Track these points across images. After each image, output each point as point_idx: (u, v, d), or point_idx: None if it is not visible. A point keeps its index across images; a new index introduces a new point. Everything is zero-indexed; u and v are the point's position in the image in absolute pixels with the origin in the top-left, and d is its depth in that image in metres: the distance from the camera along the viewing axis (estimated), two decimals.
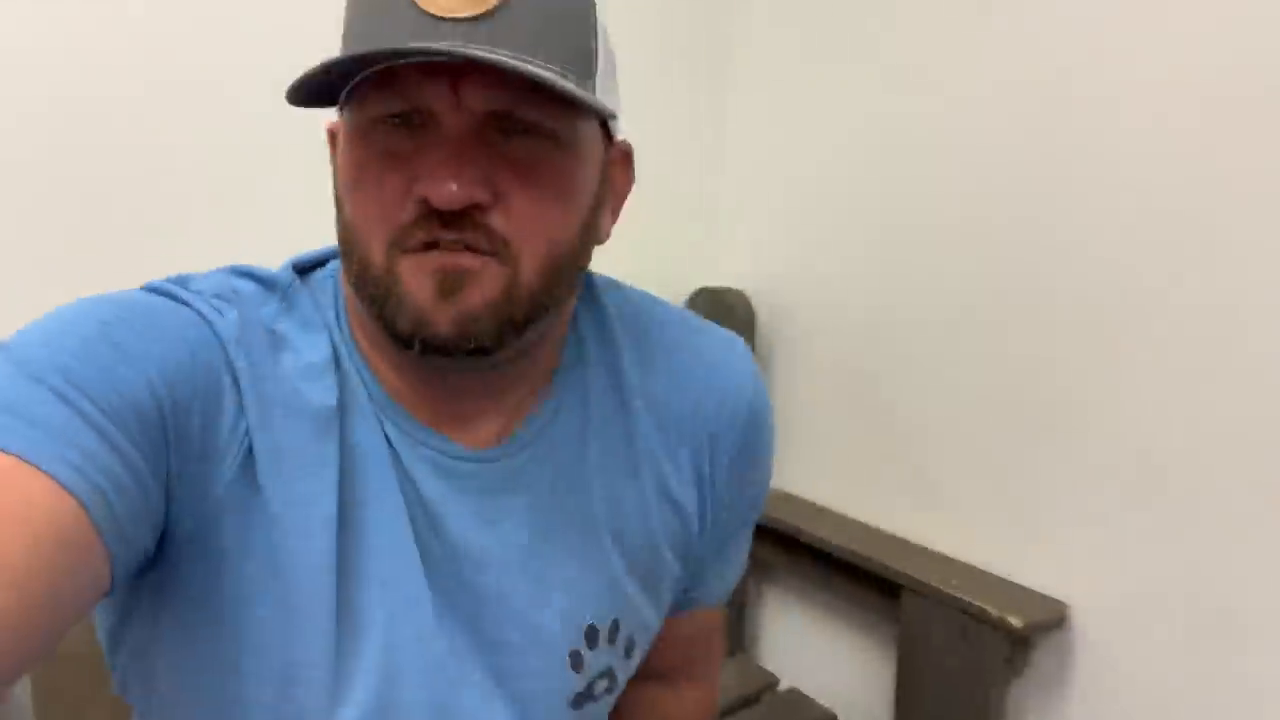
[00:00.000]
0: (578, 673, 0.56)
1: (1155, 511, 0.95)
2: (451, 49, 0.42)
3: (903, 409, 1.19)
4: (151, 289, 0.51)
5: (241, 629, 0.48)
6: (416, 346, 0.47)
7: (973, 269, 1.11)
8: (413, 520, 0.51)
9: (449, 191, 0.44)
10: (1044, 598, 1.02)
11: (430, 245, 0.45)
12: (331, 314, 0.53)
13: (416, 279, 0.46)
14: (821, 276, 1.29)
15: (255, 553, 0.48)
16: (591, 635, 0.56)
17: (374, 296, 0.47)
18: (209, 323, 0.49)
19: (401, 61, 0.43)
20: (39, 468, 0.39)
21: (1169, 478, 0.94)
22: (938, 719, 1.08)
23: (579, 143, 0.48)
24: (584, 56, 0.47)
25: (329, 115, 0.51)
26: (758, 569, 1.37)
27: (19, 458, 0.39)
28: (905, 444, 1.19)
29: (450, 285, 0.46)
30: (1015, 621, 0.98)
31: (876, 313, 1.22)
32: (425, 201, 0.45)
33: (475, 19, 0.43)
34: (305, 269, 0.56)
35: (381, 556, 0.50)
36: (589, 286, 0.60)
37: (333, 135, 0.53)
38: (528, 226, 0.47)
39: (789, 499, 1.27)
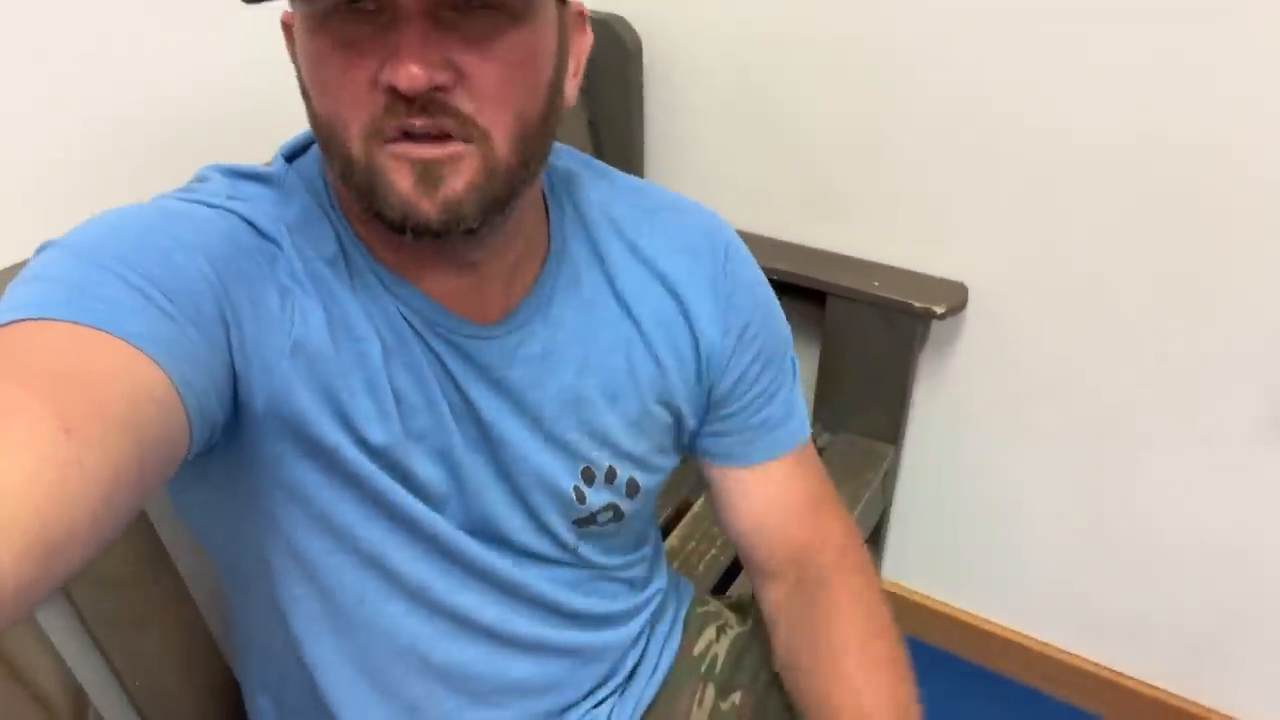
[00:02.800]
0: (581, 504, 0.67)
1: (1037, 201, 1.10)
2: None
3: (802, 126, 1.24)
4: (177, 198, 0.53)
5: (340, 471, 0.56)
6: (408, 234, 0.50)
7: None
8: (438, 381, 0.59)
9: (411, 74, 0.45)
10: (947, 282, 1.19)
11: (406, 134, 0.47)
12: (326, 200, 0.56)
13: (398, 169, 0.48)
14: None
15: (328, 413, 0.54)
16: (588, 475, 0.66)
17: (360, 188, 0.49)
18: (239, 215, 0.53)
19: None
20: (123, 339, 0.41)
21: (1045, 174, 1.08)
22: (861, 397, 1.27)
23: (534, 12, 0.49)
24: None
25: None
26: None
27: (103, 331, 0.41)
28: (808, 160, 1.25)
29: (431, 176, 0.48)
30: (937, 309, 1.14)
31: (762, 28, 1.21)
32: (392, 89, 0.46)
33: None
34: (292, 156, 0.59)
35: (420, 413, 0.59)
36: (570, 178, 0.65)
37: (288, 27, 0.53)
38: (494, 103, 0.48)
39: None
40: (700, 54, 1.28)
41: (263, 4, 0.46)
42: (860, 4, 1.12)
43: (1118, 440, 1.20)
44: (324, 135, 0.50)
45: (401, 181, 0.48)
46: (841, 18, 1.14)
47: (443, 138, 0.48)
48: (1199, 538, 1.20)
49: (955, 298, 1.17)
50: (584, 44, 0.57)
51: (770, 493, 0.72)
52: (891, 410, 1.28)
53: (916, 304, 1.15)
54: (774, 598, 0.75)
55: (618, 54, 1.28)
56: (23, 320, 0.41)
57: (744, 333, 0.68)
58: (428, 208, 0.48)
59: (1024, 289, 1.17)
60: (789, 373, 0.73)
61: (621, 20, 1.28)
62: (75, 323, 0.41)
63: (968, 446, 1.32)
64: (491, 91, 0.48)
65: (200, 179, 0.57)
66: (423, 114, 0.47)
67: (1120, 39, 0.99)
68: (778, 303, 0.72)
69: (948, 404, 1.30)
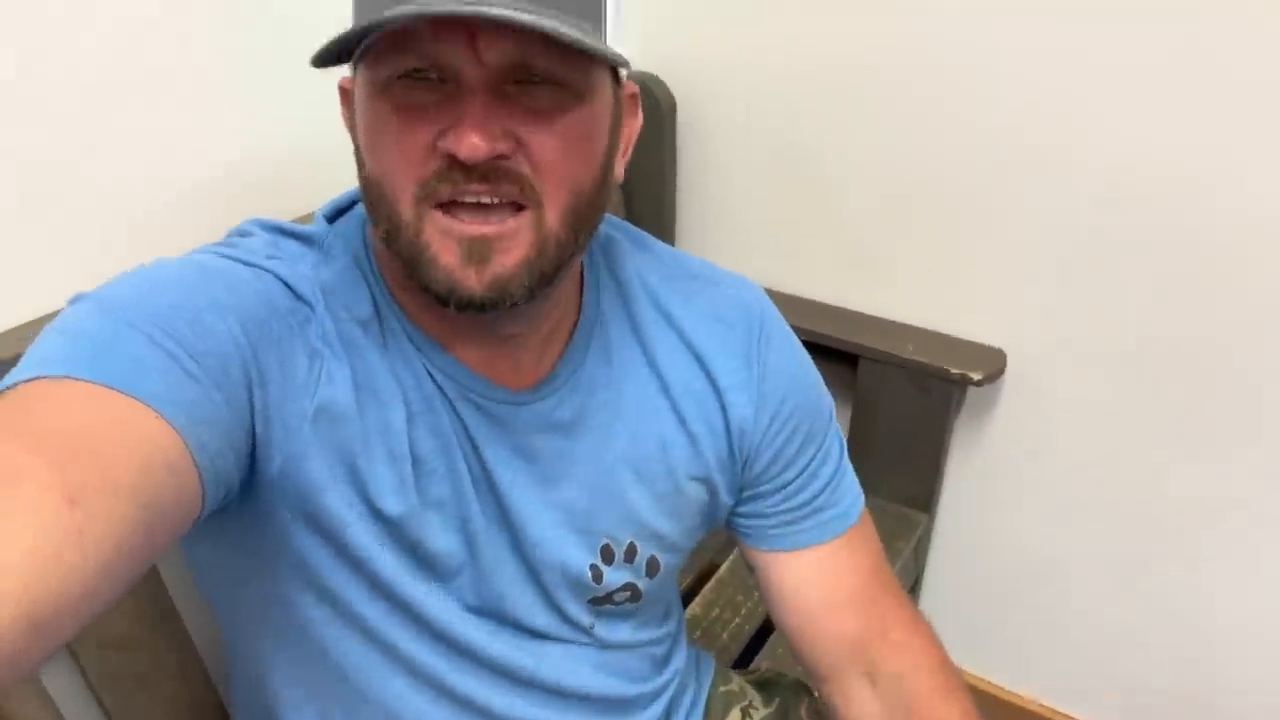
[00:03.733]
0: (597, 583, 0.64)
1: (1078, 266, 1.08)
2: (477, 11, 0.42)
3: (837, 185, 1.23)
4: (216, 254, 0.54)
5: (342, 547, 0.55)
6: (452, 306, 0.50)
7: (892, 39, 1.10)
8: (461, 448, 0.58)
9: (473, 144, 0.45)
10: (985, 348, 1.16)
11: (457, 202, 0.47)
12: (366, 263, 0.56)
13: (444, 244, 0.48)
14: (733, 53, 1.25)
15: (343, 479, 0.54)
16: (607, 554, 0.64)
17: (405, 256, 0.49)
18: (276, 276, 0.53)
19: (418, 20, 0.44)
20: (141, 401, 0.41)
21: (1087, 239, 1.06)
22: (893, 462, 1.24)
23: (593, 91, 0.50)
24: (593, 3, 0.48)
25: None
26: None
27: (122, 392, 0.41)
28: (843, 219, 1.24)
29: (479, 253, 0.48)
30: (974, 375, 1.11)
31: (796, 87, 1.21)
32: (451, 155, 0.46)
33: None
34: (333, 216, 0.59)
35: (440, 480, 0.57)
36: (608, 244, 0.64)
37: (345, 92, 0.54)
38: (551, 175, 0.48)
39: None
40: (734, 112, 1.27)
41: (327, 67, 0.48)
42: (897, 64, 1.11)
43: (1163, 514, 1.15)
44: (374, 196, 0.50)
45: (447, 256, 0.48)
46: (878, 77, 1.13)
47: (496, 209, 0.48)
48: (1253, 619, 1.14)
49: (993, 364, 1.13)
50: (635, 125, 0.57)
51: (818, 579, 0.68)
52: (925, 477, 1.24)
53: (952, 370, 1.12)
54: (848, 714, 0.69)
55: (652, 112, 1.28)
56: (45, 378, 0.41)
57: (780, 408, 0.65)
58: (474, 284, 0.48)
59: (1064, 356, 1.13)
60: (833, 450, 0.69)
61: (655, 79, 1.28)
62: (96, 383, 0.41)
63: (1004, 516, 1.28)
64: (549, 162, 0.48)
65: (242, 233, 0.58)
66: (483, 181, 0.47)
67: (1163, 108, 0.97)
68: (818, 376, 0.69)
69: (983, 472, 1.26)
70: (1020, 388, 1.18)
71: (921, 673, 0.67)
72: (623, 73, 0.54)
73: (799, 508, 0.67)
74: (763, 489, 0.67)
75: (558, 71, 0.47)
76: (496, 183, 0.47)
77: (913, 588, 1.36)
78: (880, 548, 0.71)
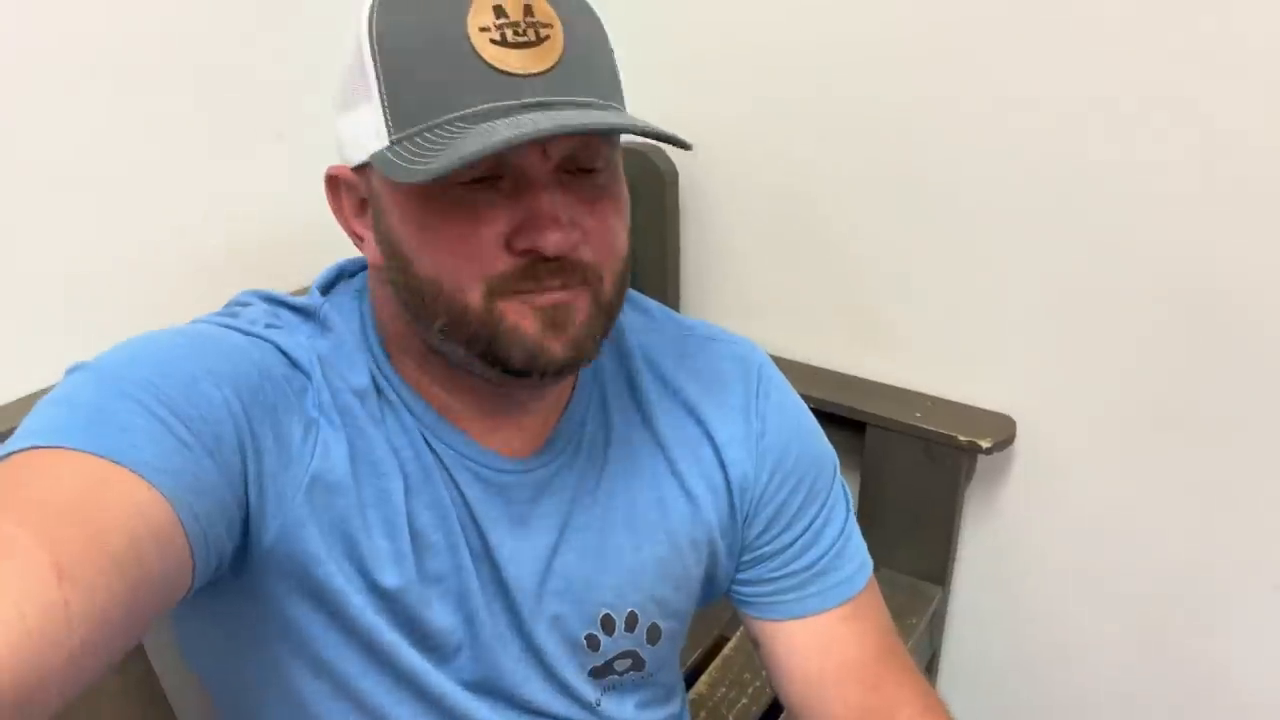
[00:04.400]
0: (595, 651, 0.63)
1: (1086, 331, 1.06)
2: (584, 125, 0.44)
3: (841, 251, 1.22)
4: (214, 323, 0.54)
5: (339, 619, 0.54)
6: (535, 375, 0.51)
7: (897, 104, 1.11)
8: (460, 521, 0.57)
9: (557, 240, 0.48)
10: (994, 415, 1.14)
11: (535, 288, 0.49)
12: (362, 334, 0.57)
13: (523, 317, 0.50)
14: (733, 122, 1.26)
15: (339, 551, 0.53)
16: (607, 624, 0.63)
17: (475, 338, 0.50)
18: (274, 344, 0.53)
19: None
20: (132, 470, 0.41)
21: (1094, 304, 1.05)
22: (903, 533, 1.21)
23: (619, 167, 0.53)
24: (617, 82, 0.52)
25: None
26: None
27: (113, 461, 0.41)
28: (848, 285, 1.23)
29: (560, 320, 0.50)
30: (983, 443, 1.08)
31: (798, 153, 1.21)
32: (532, 251, 0.48)
33: (544, 73, 0.46)
34: (327, 288, 0.60)
35: (440, 554, 0.57)
36: None
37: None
38: (606, 252, 0.52)
39: None
40: (735, 181, 1.28)
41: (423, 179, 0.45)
42: (901, 131, 1.11)
43: (1184, 586, 1.11)
44: (429, 294, 0.50)
45: (528, 327, 0.50)
46: (881, 144, 1.13)
47: (566, 286, 0.50)
48: (1277, 689, 1.09)
49: (1002, 431, 1.11)
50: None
51: (821, 649, 0.65)
52: (937, 548, 1.21)
53: (961, 437, 1.10)
54: None
55: (653, 182, 1.28)
56: (37, 448, 0.42)
57: (780, 463, 0.64)
58: (557, 349, 0.50)
59: (1075, 423, 1.11)
60: (838, 509, 0.67)
61: (656, 149, 1.29)
62: (88, 452, 0.41)
63: (1021, 588, 1.24)
64: (605, 243, 0.51)
65: (241, 304, 0.58)
66: (560, 273, 0.49)
67: (1169, 174, 0.97)
68: (820, 430, 0.68)
69: (998, 542, 1.23)
70: (1031, 456, 1.15)
71: None
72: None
73: (801, 571, 0.66)
74: (764, 550, 0.66)
75: (601, 155, 0.50)
76: (569, 275, 0.50)
77: (929, 665, 1.31)
78: (889, 619, 0.69)
